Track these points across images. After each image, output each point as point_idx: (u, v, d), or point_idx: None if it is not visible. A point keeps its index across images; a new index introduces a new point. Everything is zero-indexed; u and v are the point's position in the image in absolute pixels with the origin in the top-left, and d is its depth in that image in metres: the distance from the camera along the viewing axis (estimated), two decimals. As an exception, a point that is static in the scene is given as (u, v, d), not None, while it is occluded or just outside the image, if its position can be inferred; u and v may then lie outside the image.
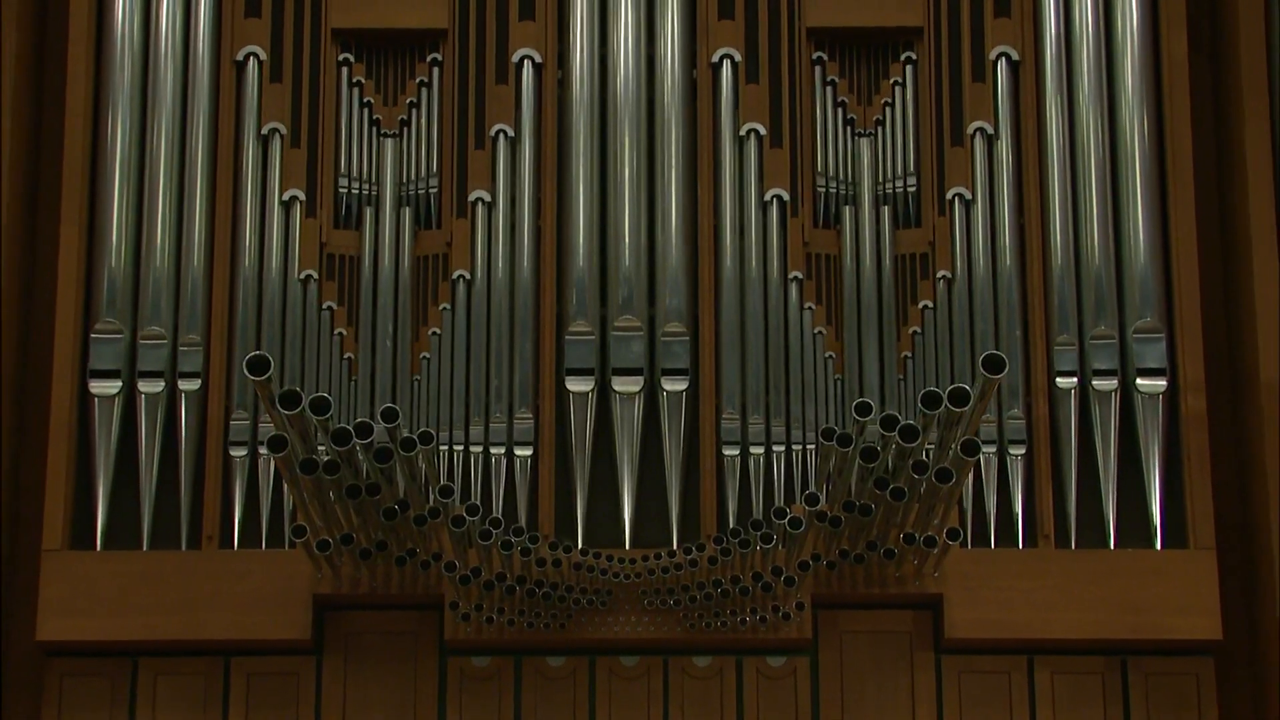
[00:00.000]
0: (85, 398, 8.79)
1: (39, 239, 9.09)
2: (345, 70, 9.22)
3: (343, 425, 7.42)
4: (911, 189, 9.13)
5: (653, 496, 8.74)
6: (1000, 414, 8.81)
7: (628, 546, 8.62)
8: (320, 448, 7.53)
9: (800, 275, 8.98)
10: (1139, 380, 8.80)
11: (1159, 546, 8.67)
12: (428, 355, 8.90)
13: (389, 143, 9.17)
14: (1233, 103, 9.06)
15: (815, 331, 8.93)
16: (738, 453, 8.77)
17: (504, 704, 8.70)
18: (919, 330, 8.94)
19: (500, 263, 8.97)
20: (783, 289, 8.97)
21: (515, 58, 9.18)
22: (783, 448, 8.76)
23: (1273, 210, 8.86)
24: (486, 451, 8.76)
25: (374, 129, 9.21)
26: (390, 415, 7.49)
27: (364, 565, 8.41)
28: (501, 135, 9.10)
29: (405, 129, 9.21)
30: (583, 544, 8.60)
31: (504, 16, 9.22)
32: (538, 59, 9.18)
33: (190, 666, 8.67)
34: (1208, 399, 8.81)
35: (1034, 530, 8.76)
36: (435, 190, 9.13)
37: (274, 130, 9.10)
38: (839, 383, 8.89)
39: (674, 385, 8.80)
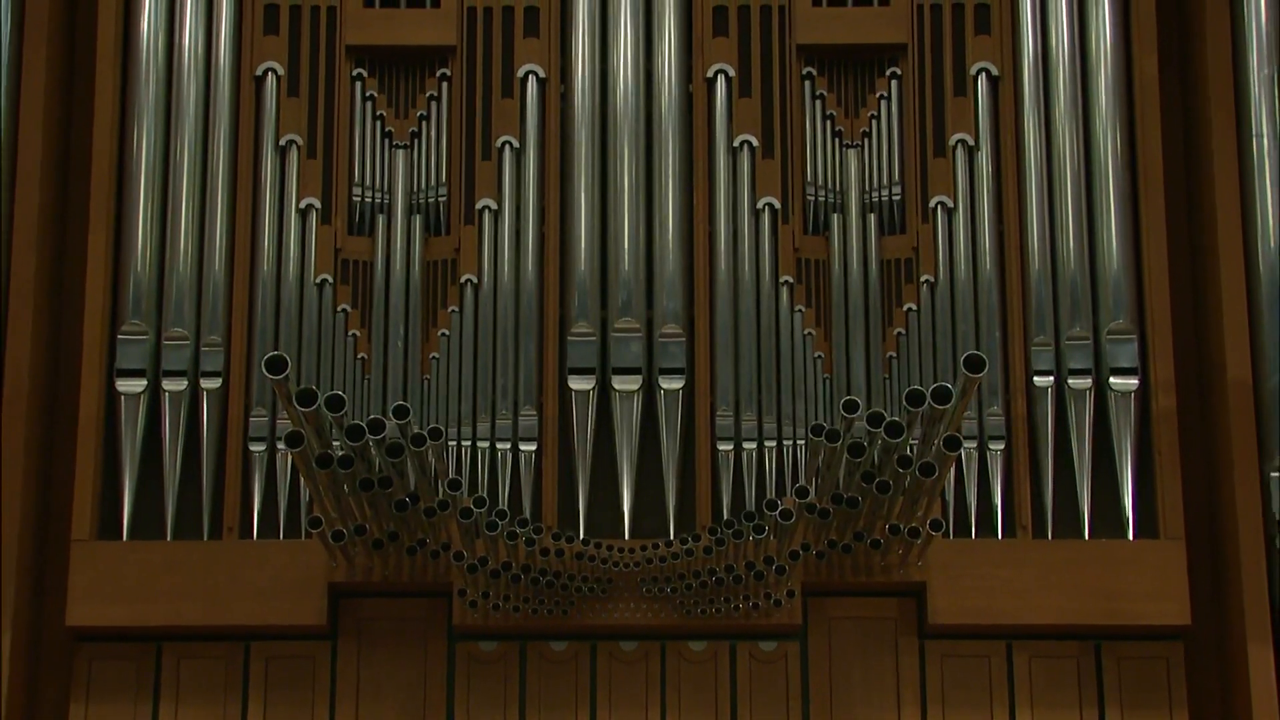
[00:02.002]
0: (112, 396, 8.81)
1: (68, 245, 9.10)
2: (359, 85, 9.23)
3: (356, 422, 7.44)
4: (896, 197, 9.14)
5: (651, 489, 8.76)
6: (980, 411, 8.82)
7: (627, 537, 8.64)
8: (335, 443, 7.55)
9: (791, 279, 9.00)
10: (1112, 379, 8.81)
11: (1131, 537, 8.68)
12: (437, 355, 8.92)
13: (400, 153, 9.19)
14: (1201, 117, 9.08)
15: (805, 333, 8.94)
16: (731, 448, 8.78)
17: (509, 686, 8.71)
18: (903, 331, 8.96)
19: (506, 267, 8.99)
20: (774, 292, 8.98)
21: (520, 73, 9.20)
22: (774, 443, 8.78)
23: (1239, 218, 8.88)
24: (493, 447, 8.78)
25: (386, 140, 9.22)
26: (401, 412, 7.51)
27: (376, 555, 8.42)
28: (507, 146, 9.12)
29: (416, 140, 9.22)
30: (584, 534, 8.61)
31: (509, 34, 9.24)
32: (541, 74, 9.19)
33: (212, 651, 8.69)
34: (1177, 397, 8.83)
35: (1013, 521, 8.77)
36: (444, 199, 9.14)
37: (291, 142, 9.12)
38: (827, 381, 8.90)
39: (671, 384, 8.82)
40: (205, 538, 8.73)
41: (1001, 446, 8.80)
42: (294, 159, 9.10)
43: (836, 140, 9.22)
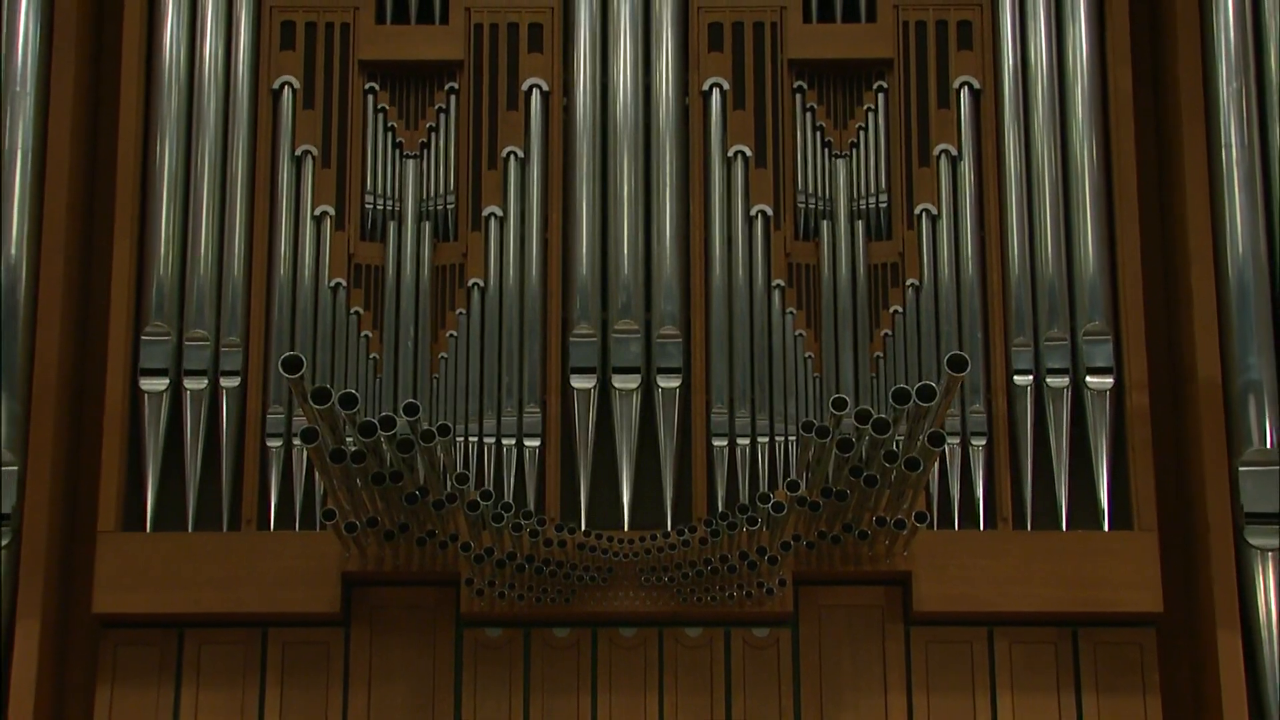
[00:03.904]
0: (136, 394, 8.82)
1: (94, 250, 9.11)
2: (371, 98, 9.24)
3: (369, 419, 7.45)
4: (883, 205, 9.14)
5: (649, 483, 8.76)
6: (963, 408, 8.82)
7: (626, 528, 8.64)
8: (348, 439, 7.55)
9: (782, 283, 9.01)
10: (1088, 378, 8.82)
11: (1106, 528, 8.69)
12: (445, 355, 8.93)
13: (410, 163, 9.19)
14: (1172, 128, 9.09)
15: (796, 334, 8.95)
16: (726, 443, 8.79)
17: (514, 671, 8.71)
18: (890, 333, 8.97)
19: (511, 272, 8.99)
20: (767, 295, 8.99)
21: (524, 86, 9.20)
22: (766, 439, 8.78)
23: (1209, 224, 8.88)
24: (499, 442, 8.79)
25: (397, 151, 9.23)
26: (412, 410, 7.52)
27: (388, 545, 8.43)
28: (512, 156, 9.13)
29: (425, 151, 9.23)
30: (585, 526, 8.62)
31: (514, 49, 9.24)
32: (545, 87, 9.20)
33: (231, 637, 8.70)
34: (1150, 395, 8.84)
35: (994, 513, 8.77)
36: (452, 206, 9.15)
37: (306, 152, 9.13)
38: (817, 380, 8.91)
39: (668, 383, 8.83)
40: (224, 529, 8.75)
41: (983, 442, 8.80)
42: (309, 168, 9.11)
43: (826, 150, 9.23)
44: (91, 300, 9.08)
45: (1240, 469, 8.65)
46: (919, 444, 7.52)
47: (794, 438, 8.74)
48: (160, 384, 8.82)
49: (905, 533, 8.31)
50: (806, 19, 9.29)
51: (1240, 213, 8.83)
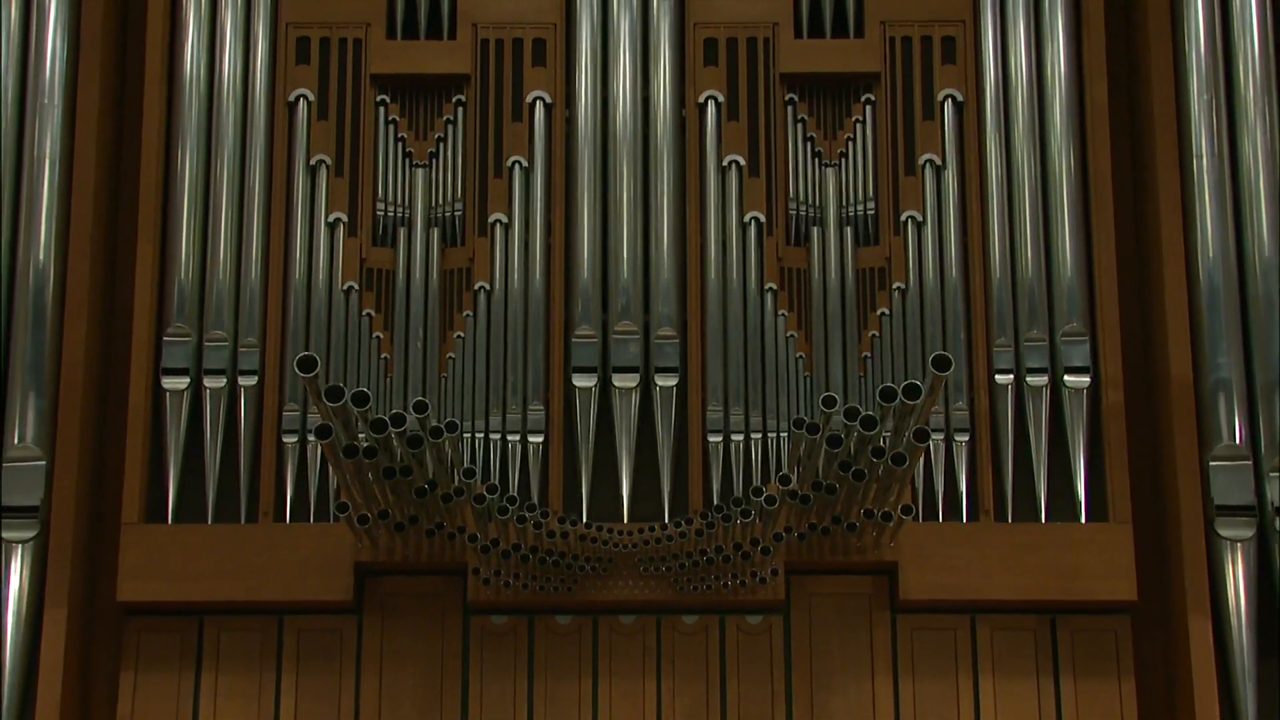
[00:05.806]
0: (158, 392, 8.84)
1: (119, 255, 9.12)
2: (382, 110, 9.27)
3: (380, 416, 7.45)
4: (871, 212, 9.17)
5: (647, 477, 8.78)
6: (947, 406, 8.84)
7: (625, 521, 8.66)
8: (360, 435, 7.58)
9: (775, 286, 9.03)
10: (1066, 377, 8.85)
11: (1083, 520, 8.71)
12: (453, 355, 8.95)
13: (420, 172, 9.22)
14: (1146, 138, 9.11)
15: (788, 335, 8.98)
16: (721, 440, 8.81)
17: (519, 657, 8.74)
18: (877, 334, 8.99)
19: (515, 275, 9.01)
20: (760, 298, 9.02)
21: (529, 99, 9.23)
22: (759, 435, 8.80)
23: (1181, 230, 8.88)
24: (504, 438, 8.81)
25: (407, 160, 9.25)
26: (421, 407, 7.54)
27: (398, 537, 8.44)
28: (517, 166, 9.15)
29: (434, 160, 9.25)
30: (587, 518, 8.64)
31: (519, 63, 9.26)
32: (548, 100, 9.22)
33: (249, 624, 8.72)
34: (1125, 394, 8.85)
35: (976, 506, 8.79)
36: (460, 213, 9.17)
37: (320, 161, 9.16)
38: (808, 379, 8.93)
39: (666, 381, 8.85)
40: (242, 521, 8.77)
41: (966, 438, 8.82)
42: (323, 177, 9.14)
43: (816, 160, 9.24)
44: (116, 302, 9.10)
45: (1211, 464, 8.67)
46: (905, 440, 7.53)
47: (785, 434, 8.75)
48: (181, 383, 8.84)
49: (892, 525, 8.32)
50: (798, 34, 9.31)
51: (1210, 219, 8.84)
